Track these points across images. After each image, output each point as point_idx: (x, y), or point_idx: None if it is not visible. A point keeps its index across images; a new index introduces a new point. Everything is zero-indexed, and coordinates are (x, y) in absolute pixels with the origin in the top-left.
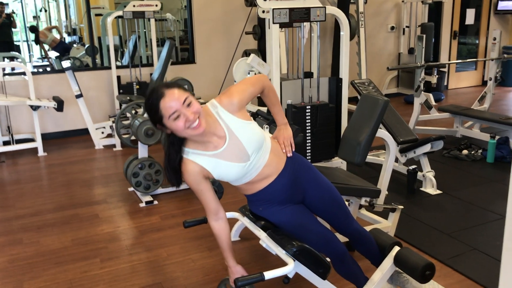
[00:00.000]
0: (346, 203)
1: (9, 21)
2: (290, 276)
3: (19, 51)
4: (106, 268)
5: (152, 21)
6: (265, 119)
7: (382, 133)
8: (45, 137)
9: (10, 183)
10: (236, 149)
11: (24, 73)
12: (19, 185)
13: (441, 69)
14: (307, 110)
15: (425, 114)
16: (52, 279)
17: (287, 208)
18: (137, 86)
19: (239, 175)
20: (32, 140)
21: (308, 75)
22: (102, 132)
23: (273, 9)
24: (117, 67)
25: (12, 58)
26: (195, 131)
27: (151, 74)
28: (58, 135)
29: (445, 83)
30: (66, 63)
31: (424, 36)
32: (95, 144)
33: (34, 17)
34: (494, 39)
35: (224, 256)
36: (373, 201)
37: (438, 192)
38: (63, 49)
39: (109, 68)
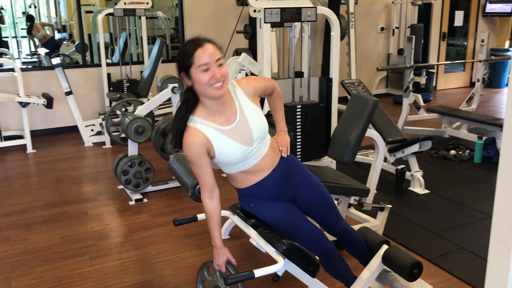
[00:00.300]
0: (336, 202)
1: None
2: (280, 274)
3: (8, 47)
4: (95, 266)
5: (143, 19)
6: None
7: (371, 132)
8: (34, 134)
9: None
10: (243, 131)
11: (13, 70)
12: (7, 182)
13: (430, 70)
14: (297, 110)
15: (414, 114)
16: (41, 277)
17: (279, 205)
18: (127, 84)
19: (240, 158)
20: (21, 137)
21: (299, 74)
22: (92, 130)
23: (265, 8)
24: (107, 64)
25: (0, 54)
26: (216, 92)
27: (141, 72)
28: (47, 132)
29: (434, 84)
30: (56, 60)
31: (414, 37)
32: (85, 141)
33: (23, 13)
34: (482, 41)
35: (212, 236)
36: (362, 200)
37: (426, 191)
38: (53, 46)
39: (99, 65)
